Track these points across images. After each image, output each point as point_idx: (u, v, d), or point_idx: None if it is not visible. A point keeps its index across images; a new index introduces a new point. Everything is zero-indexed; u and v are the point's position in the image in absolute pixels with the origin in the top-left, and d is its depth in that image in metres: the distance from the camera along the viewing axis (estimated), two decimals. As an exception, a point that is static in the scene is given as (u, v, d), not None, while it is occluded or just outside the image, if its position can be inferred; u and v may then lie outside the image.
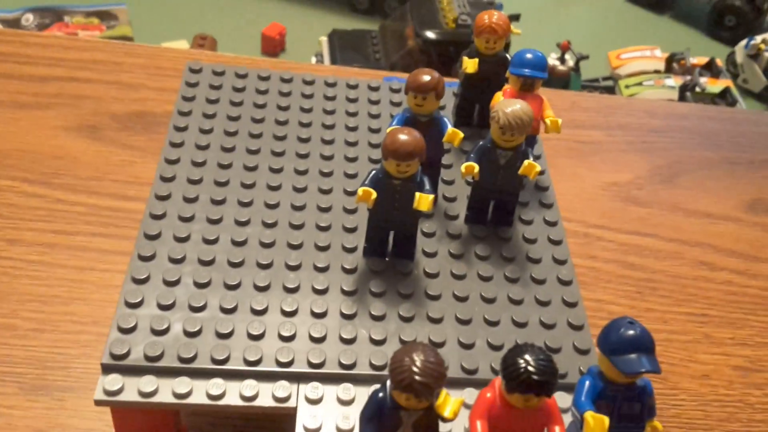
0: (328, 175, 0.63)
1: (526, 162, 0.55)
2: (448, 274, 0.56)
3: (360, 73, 0.96)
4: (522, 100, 0.55)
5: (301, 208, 0.60)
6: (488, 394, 0.40)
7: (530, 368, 0.37)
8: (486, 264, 0.57)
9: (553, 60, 2.17)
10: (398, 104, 0.73)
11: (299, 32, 2.44)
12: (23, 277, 0.69)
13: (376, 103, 0.73)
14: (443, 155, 0.61)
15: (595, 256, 0.81)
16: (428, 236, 0.59)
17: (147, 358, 0.47)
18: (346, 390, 0.47)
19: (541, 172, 0.69)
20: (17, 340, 0.63)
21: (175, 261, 0.53)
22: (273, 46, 2.33)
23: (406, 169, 0.50)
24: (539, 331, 0.53)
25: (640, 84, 2.08)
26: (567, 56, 2.18)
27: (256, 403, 0.46)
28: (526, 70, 0.60)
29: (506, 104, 0.54)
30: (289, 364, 0.48)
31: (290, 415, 0.46)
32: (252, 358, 0.47)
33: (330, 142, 0.67)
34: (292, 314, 0.51)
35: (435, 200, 0.62)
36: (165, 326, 0.48)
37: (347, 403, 0.47)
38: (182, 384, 0.46)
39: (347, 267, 0.55)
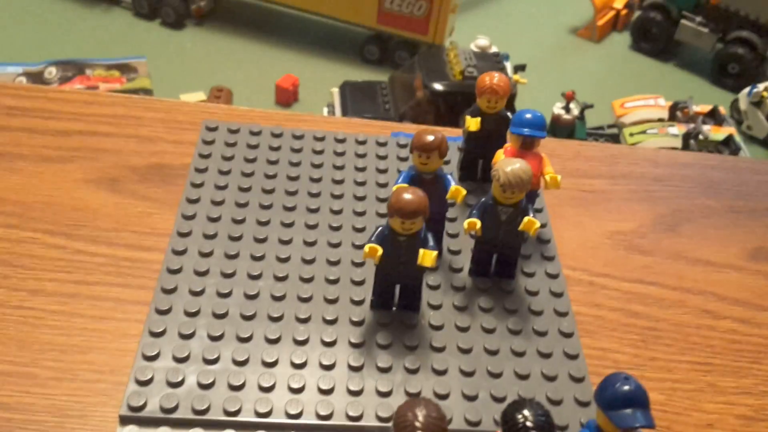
0: (337, 229, 0.66)
1: (526, 218, 0.57)
2: (452, 326, 0.58)
3: (369, 125, 0.99)
4: (521, 159, 0.58)
5: (311, 262, 0.62)
6: (489, 447, 0.41)
7: (528, 423, 0.38)
8: (489, 316, 0.59)
9: (558, 109, 2.22)
10: (405, 159, 0.76)
11: (312, 83, 2.51)
12: (44, 326, 0.71)
13: (383, 158, 0.76)
14: (447, 210, 0.64)
15: (600, 305, 0.82)
16: (433, 288, 0.61)
17: (162, 410, 0.48)
18: (353, 441, 0.49)
19: (543, 225, 0.71)
20: (37, 388, 0.65)
21: (190, 314, 0.56)
22: (287, 97, 2.40)
23: (411, 227, 0.52)
24: (541, 383, 0.54)
25: (644, 132, 2.12)
26: (572, 105, 2.22)
27: (267, 453, 0.48)
28: (526, 129, 0.63)
29: (506, 163, 0.57)
30: (298, 416, 0.49)
31: (299, 466, 0.48)
32: (262, 410, 0.49)
33: (339, 197, 0.70)
34: (301, 366, 0.53)
35: (440, 254, 0.65)
36: (180, 378, 0.51)
37: (354, 454, 0.48)
38: (195, 435, 0.48)
39: (355, 319, 0.57)
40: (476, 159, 0.73)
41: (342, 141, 0.78)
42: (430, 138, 0.58)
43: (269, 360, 0.53)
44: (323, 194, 0.70)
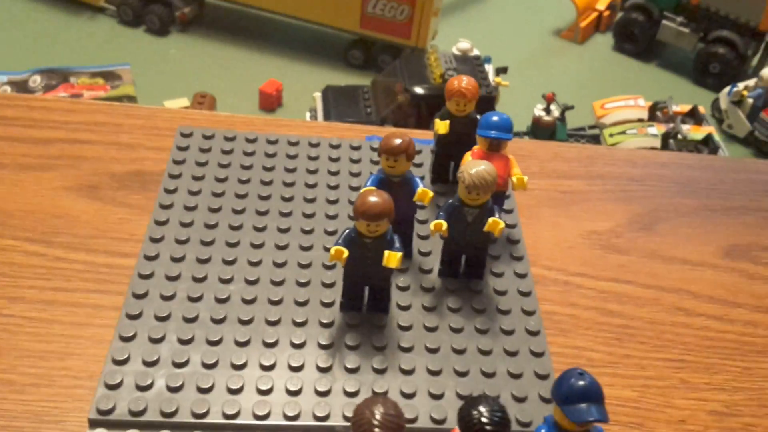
0: (309, 232, 0.67)
1: (490, 219, 0.58)
2: (420, 327, 0.59)
3: (350, 129, 1.00)
4: (486, 161, 0.59)
5: (282, 265, 0.63)
6: (449, 443, 0.42)
7: (483, 419, 0.39)
8: (457, 316, 0.60)
9: (538, 111, 2.23)
10: (378, 162, 0.77)
11: (296, 88, 2.52)
12: (22, 333, 0.71)
13: (357, 162, 0.77)
14: (416, 212, 0.65)
15: (575, 304, 0.83)
16: (403, 290, 0.62)
17: (131, 413, 0.49)
18: (320, 441, 0.50)
19: (513, 226, 0.72)
20: (15, 395, 0.65)
21: (160, 319, 0.56)
22: (270, 103, 2.40)
23: (376, 229, 0.53)
24: (506, 381, 0.55)
25: (623, 133, 2.14)
26: (552, 107, 2.24)
27: (234, 455, 0.48)
28: (492, 132, 0.64)
29: (471, 165, 0.58)
30: (266, 417, 0.50)
31: (267, 466, 0.48)
32: (230, 412, 0.50)
33: (312, 201, 0.71)
34: (270, 368, 0.54)
35: (410, 255, 0.66)
36: (149, 382, 0.51)
37: (321, 453, 0.49)
38: (164, 437, 0.48)
39: (324, 321, 0.58)
40: (447, 161, 0.74)
41: (316, 145, 0.79)
42: (397, 141, 0.59)
43: (238, 363, 0.53)
44: (296, 198, 0.71)
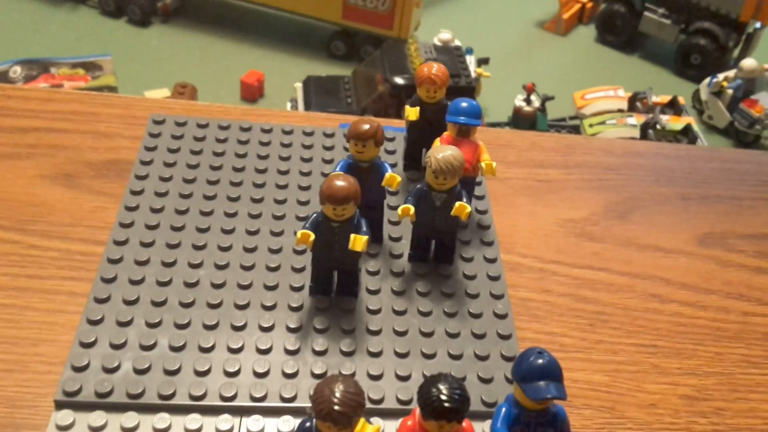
0: (281, 218, 0.67)
1: (457, 204, 0.59)
2: (389, 310, 0.59)
3: (329, 119, 1.00)
4: (454, 146, 0.59)
5: (252, 250, 0.63)
6: (409, 422, 0.43)
7: (442, 396, 0.40)
8: (426, 300, 0.61)
9: (519, 101, 2.24)
10: (350, 150, 0.77)
11: (278, 78, 2.51)
12: (-4, 320, 0.71)
13: (330, 149, 0.77)
14: (385, 198, 0.65)
15: (549, 290, 0.84)
16: (373, 274, 0.62)
17: (97, 394, 0.49)
18: (286, 422, 0.50)
19: (484, 212, 0.73)
20: (-13, 380, 0.65)
21: (128, 303, 0.56)
22: (251, 93, 2.39)
23: (342, 213, 0.54)
24: (473, 363, 0.56)
25: (603, 123, 2.15)
26: (533, 97, 2.25)
27: (201, 436, 0.49)
28: (462, 117, 0.65)
29: (439, 150, 0.58)
30: (233, 398, 0.51)
31: (233, 447, 0.49)
32: (197, 393, 0.50)
33: (284, 187, 0.71)
34: (237, 351, 0.54)
35: (381, 240, 0.66)
36: (116, 364, 0.51)
37: (288, 434, 0.49)
38: (130, 419, 0.49)
39: (293, 305, 0.58)
40: (419, 148, 0.75)
41: (289, 132, 0.79)
42: (366, 127, 0.60)
43: (206, 345, 0.54)
44: (268, 184, 0.71)
